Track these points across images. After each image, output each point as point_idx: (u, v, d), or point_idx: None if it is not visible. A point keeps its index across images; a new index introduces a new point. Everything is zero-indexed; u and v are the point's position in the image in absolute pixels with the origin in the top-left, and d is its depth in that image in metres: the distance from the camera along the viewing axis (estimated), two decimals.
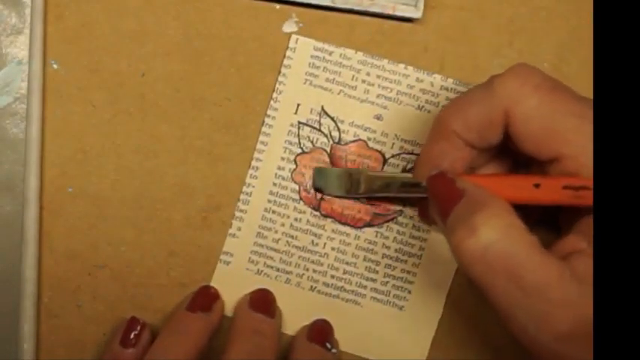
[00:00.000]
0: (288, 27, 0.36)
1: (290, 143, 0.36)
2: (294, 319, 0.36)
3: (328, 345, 0.35)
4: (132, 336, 0.34)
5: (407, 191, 0.33)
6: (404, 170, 0.36)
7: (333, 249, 0.36)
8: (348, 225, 0.36)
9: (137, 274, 0.36)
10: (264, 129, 0.36)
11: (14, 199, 0.35)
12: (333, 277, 0.36)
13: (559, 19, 0.36)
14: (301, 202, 0.36)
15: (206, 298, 0.35)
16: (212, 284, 0.36)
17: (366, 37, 0.36)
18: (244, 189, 0.36)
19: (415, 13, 0.35)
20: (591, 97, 0.29)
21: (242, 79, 0.36)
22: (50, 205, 0.36)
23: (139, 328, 0.34)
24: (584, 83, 0.32)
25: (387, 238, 0.36)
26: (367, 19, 0.36)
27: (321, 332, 0.35)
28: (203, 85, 0.36)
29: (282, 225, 0.36)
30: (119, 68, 0.36)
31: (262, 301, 0.35)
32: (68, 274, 0.36)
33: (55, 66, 0.36)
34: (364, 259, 0.36)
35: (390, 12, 0.35)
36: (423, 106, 0.36)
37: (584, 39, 0.36)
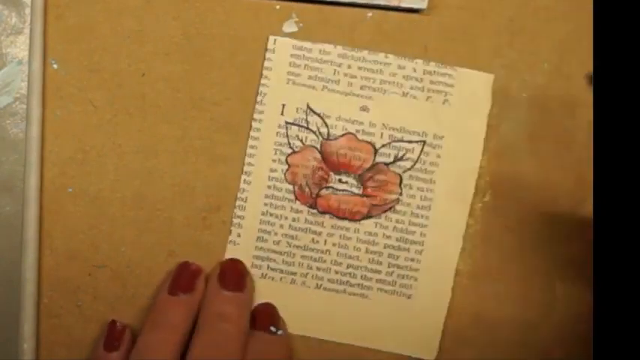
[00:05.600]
0: (288, 27, 0.36)
1: (279, 144, 0.36)
2: (302, 319, 0.36)
3: (273, 328, 0.34)
4: (114, 339, 0.34)
5: None
6: (396, 159, 0.36)
7: (334, 245, 0.36)
8: (347, 219, 0.36)
9: (137, 274, 0.36)
10: (252, 133, 0.36)
11: (14, 199, 0.35)
12: (337, 272, 0.36)
13: (559, 19, 0.36)
14: (297, 202, 0.36)
15: (187, 278, 0.34)
16: None
17: (366, 37, 0.36)
18: (239, 195, 0.36)
19: (420, 4, 0.35)
20: (591, 96, 0.29)
21: (242, 79, 0.36)
22: (50, 205, 0.36)
23: (119, 330, 0.34)
24: (584, 83, 0.32)
25: (386, 227, 0.36)
26: (368, 20, 0.36)
27: (265, 317, 0.34)
28: (203, 85, 0.36)
29: (281, 227, 0.36)
30: (119, 68, 0.36)
31: (230, 275, 0.34)
32: (68, 274, 0.36)
33: (55, 66, 0.36)
34: (366, 251, 0.36)
35: (395, 4, 0.35)
36: (407, 92, 0.36)
37: (584, 39, 0.36)
